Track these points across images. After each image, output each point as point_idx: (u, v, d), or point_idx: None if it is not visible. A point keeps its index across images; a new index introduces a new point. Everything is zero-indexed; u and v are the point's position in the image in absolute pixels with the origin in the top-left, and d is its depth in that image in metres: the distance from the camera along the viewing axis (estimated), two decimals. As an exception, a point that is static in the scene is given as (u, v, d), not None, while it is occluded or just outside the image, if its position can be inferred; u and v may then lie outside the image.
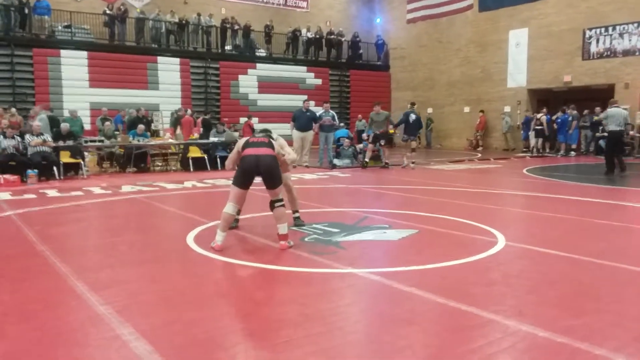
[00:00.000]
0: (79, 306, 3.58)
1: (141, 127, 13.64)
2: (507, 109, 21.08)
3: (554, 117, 18.57)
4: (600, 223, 6.45)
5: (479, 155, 18.52)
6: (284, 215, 5.22)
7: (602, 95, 18.83)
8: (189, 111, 17.16)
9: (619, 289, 3.94)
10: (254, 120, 18.84)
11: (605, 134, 12.48)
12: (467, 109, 22.85)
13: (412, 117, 14.13)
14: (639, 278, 4.22)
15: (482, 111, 21.78)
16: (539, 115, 18.33)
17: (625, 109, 13.49)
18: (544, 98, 20.81)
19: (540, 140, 18.33)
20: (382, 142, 13.70)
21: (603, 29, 18.48)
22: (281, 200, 5.30)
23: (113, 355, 2.83)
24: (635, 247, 5.43)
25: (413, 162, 14.01)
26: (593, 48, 18.86)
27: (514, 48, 21.01)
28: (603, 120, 12.12)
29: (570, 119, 18.19)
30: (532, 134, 18.50)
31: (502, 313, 3.37)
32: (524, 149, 19.41)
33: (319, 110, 14.80)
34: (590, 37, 18.84)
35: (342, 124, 16.92)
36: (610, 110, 11.78)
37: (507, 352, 2.83)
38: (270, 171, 5.20)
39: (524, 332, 3.08)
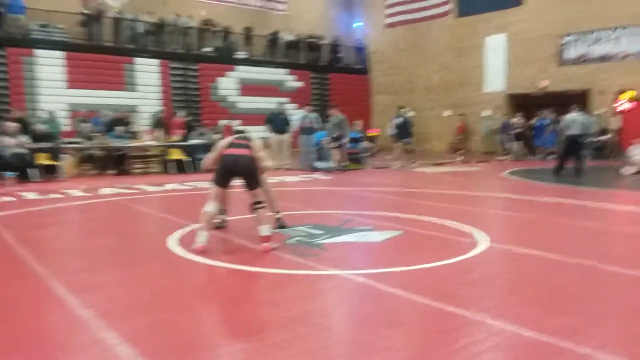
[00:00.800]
0: (60, 309, 3.52)
1: (120, 128, 13.49)
2: (485, 113, 21.34)
3: (531, 122, 18.86)
4: (579, 224, 6.56)
5: (460, 158, 18.71)
6: (265, 217, 5.23)
7: (578, 100, 19.15)
8: (183, 112, 17.00)
9: (599, 289, 4.01)
10: (237, 122, 18.73)
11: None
12: (447, 113, 23.06)
13: (397, 121, 14.66)
14: (618, 278, 4.30)
15: (460, 115, 22.02)
16: (515, 120, 18.63)
17: (597, 114, 13.82)
18: (522, 103, 21.11)
19: (519, 144, 18.61)
20: (335, 145, 13.76)
21: (579, 35, 18.85)
22: (261, 202, 5.30)
23: (96, 359, 2.78)
24: (613, 248, 5.54)
25: (414, 162, 14.74)
26: (569, 54, 19.21)
27: (491, 53, 21.29)
28: (562, 126, 12.81)
29: (547, 123, 18.49)
30: (509, 138, 18.77)
31: (486, 313, 3.40)
32: (504, 152, 19.70)
33: (299, 113, 14.82)
34: (566, 43, 19.19)
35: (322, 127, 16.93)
36: (567, 117, 12.56)
37: (492, 352, 2.86)
38: (249, 172, 5.24)
39: (509, 331, 3.12)
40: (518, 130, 18.50)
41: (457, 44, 22.37)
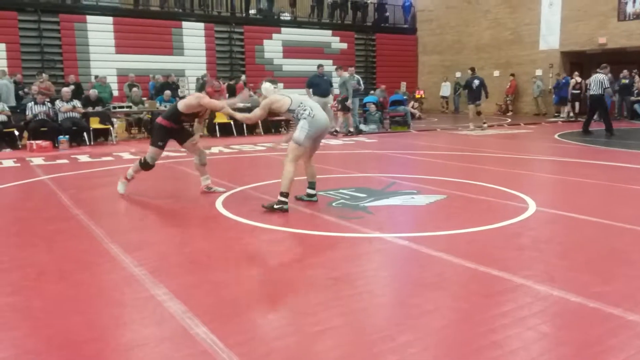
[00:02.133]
0: (114, 267, 3.68)
1: (168, 93, 13.71)
2: (539, 72, 20.50)
3: (587, 81, 17.98)
4: (632, 188, 6.29)
5: (509, 120, 18.16)
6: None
7: (639, 58, 18.17)
8: (244, 77, 17.10)
9: (653, 255, 3.87)
10: (280, 85, 18.73)
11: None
12: (496, 73, 22.28)
13: (476, 82, 14.81)
14: (675, 244, 4.13)
15: (512, 75, 21.24)
16: (577, 79, 17.80)
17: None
18: (577, 61, 20.13)
19: (575, 105, 17.86)
20: (338, 107, 13.52)
21: (642, -12, 17.65)
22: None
23: (149, 315, 2.91)
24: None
25: (484, 123, 14.76)
26: (629, 8, 18.07)
27: (546, 9, 20.26)
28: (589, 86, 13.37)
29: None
30: (562, 98, 18.03)
31: (533, 278, 3.35)
32: (556, 114, 18.97)
33: (344, 75, 14.60)
34: (628, -4, 18.03)
35: (371, 92, 16.73)
36: (592, 77, 13.11)
37: (538, 317, 2.82)
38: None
39: (555, 297, 3.06)
40: (575, 91, 17.69)
41: (511, 0, 21.40)
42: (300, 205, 5.42)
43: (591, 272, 3.48)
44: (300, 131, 5.26)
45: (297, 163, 5.33)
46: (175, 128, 5.92)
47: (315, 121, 5.30)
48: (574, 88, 17.79)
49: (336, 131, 13.39)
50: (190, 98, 5.87)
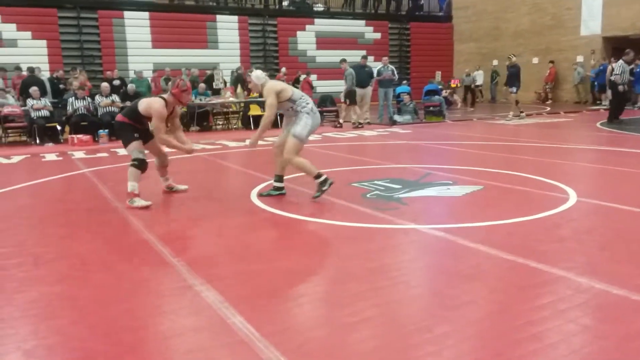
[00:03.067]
0: (153, 258, 3.76)
1: (202, 85, 13.88)
2: (580, 58, 19.87)
3: (631, 67, 17.35)
4: (681, 178, 6.06)
5: (548, 108, 17.71)
6: None
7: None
8: (284, 69, 17.16)
9: (702, 247, 3.72)
10: (313, 77, 18.73)
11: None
12: (535, 60, 21.71)
13: (512, 70, 14.64)
14: None
15: (552, 62, 20.65)
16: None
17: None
18: (619, 46, 19.42)
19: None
20: (346, 101, 13.20)
21: (690, -32, 16.88)
22: None
23: (187, 304, 2.97)
24: None
25: (522, 112, 14.50)
26: (677, -10, 17.30)
27: (588, -8, 19.61)
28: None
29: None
30: (603, 86, 17.43)
31: (574, 270, 3.27)
32: (598, 102, 18.39)
33: (377, 65, 14.49)
34: (675, -23, 17.27)
35: (404, 82, 16.52)
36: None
37: (579, 309, 2.75)
38: None
39: (597, 289, 2.98)
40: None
41: (551, -17, 20.77)
42: (335, 196, 5.42)
43: (634, 264, 3.38)
44: (303, 127, 5.26)
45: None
46: (137, 127, 5.46)
47: (316, 117, 5.39)
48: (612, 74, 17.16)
49: (339, 123, 13.23)
50: (147, 104, 5.38)
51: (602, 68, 17.86)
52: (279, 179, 5.60)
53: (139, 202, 5.28)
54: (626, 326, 2.56)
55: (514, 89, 14.54)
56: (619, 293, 2.91)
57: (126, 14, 18.69)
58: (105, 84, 12.01)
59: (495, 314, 2.77)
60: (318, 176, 5.27)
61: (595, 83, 18.55)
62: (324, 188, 5.27)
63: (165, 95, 5.50)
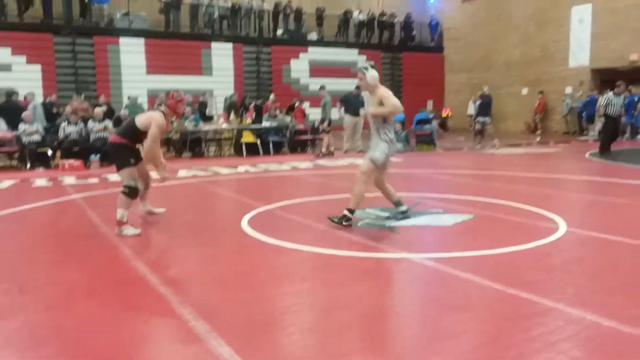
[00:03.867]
0: (141, 286, 3.72)
1: (188, 109, 13.96)
2: (569, 89, 20.20)
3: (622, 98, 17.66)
4: (670, 209, 6.11)
5: (538, 139, 17.90)
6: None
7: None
8: (272, 96, 17.33)
9: (691, 279, 3.73)
10: (305, 105, 18.87)
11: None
12: (525, 91, 22.04)
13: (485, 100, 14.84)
14: None
15: (541, 92, 20.97)
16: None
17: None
18: (608, 78, 19.77)
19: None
20: (322, 129, 13.36)
21: (674, 3, 17.34)
22: None
23: (175, 333, 2.93)
24: None
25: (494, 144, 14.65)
26: (662, 24, 17.73)
27: (576, 25, 20.03)
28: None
29: (636, 99, 17.26)
30: (590, 117, 17.76)
31: (564, 301, 3.26)
32: (584, 132, 18.64)
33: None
34: (660, 12, 17.71)
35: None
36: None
37: (570, 341, 2.74)
38: None
39: (588, 320, 2.97)
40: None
41: (540, 16, 21.20)
42: (326, 224, 5.41)
43: (624, 295, 3.38)
44: (380, 152, 5.30)
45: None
46: (132, 147, 5.41)
47: (395, 147, 5.47)
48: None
49: (322, 153, 13.21)
50: (147, 117, 5.36)
51: (590, 99, 18.20)
52: (398, 203, 5.66)
53: (128, 230, 5.19)
54: (617, 358, 2.55)
55: (488, 119, 14.71)
56: (609, 324, 2.90)
57: (122, 40, 18.83)
58: (98, 109, 12.03)
59: (487, 346, 2.75)
60: (351, 211, 5.28)
61: (583, 114, 18.83)
62: (344, 223, 5.24)
63: (162, 108, 5.44)
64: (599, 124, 17.76)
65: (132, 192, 5.26)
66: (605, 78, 19.85)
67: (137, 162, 5.46)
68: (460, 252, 4.41)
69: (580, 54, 20.01)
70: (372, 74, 5.36)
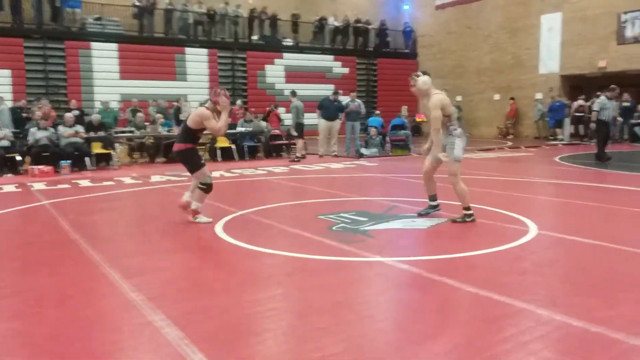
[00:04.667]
0: (112, 293, 3.65)
1: (159, 115, 13.89)
2: (539, 95, 20.62)
3: (588, 104, 18.15)
4: (634, 211, 6.27)
5: (509, 143, 18.21)
6: None
7: (639, 81, 18.27)
8: (239, 102, 17.28)
9: (657, 279, 3.83)
10: (281, 110, 18.86)
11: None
12: (497, 97, 22.43)
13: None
14: (678, 268, 4.10)
15: (512, 98, 21.37)
16: (581, 102, 18.01)
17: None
18: (577, 84, 20.27)
19: (577, 127, 18.07)
20: (292, 133, 13.53)
21: (639, 13, 17.87)
22: None
23: (146, 341, 2.88)
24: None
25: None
26: (629, 32, 18.25)
27: (546, 33, 20.48)
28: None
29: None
30: (567, 120, 18.20)
31: (535, 302, 3.31)
32: (550, 137, 19.07)
33: (345, 99, 14.75)
34: (626, 20, 18.23)
35: (377, 112, 16.92)
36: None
37: (541, 341, 2.78)
38: None
39: (558, 321, 3.02)
40: (579, 113, 17.91)
41: (511, 24, 21.63)
42: (301, 229, 5.41)
43: (594, 296, 3.45)
44: (457, 149, 5.59)
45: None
46: (196, 148, 6.01)
47: (464, 139, 5.72)
48: (577, 111, 17.96)
49: (297, 157, 13.20)
50: (195, 115, 5.81)
51: (559, 104, 18.63)
52: (433, 198, 5.97)
53: (202, 218, 5.81)
54: (587, 358, 2.59)
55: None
56: (579, 325, 2.96)
57: (94, 44, 18.58)
58: (69, 114, 11.82)
59: (460, 348, 2.77)
60: (468, 209, 5.60)
61: (551, 119, 19.25)
62: (467, 220, 5.57)
63: (206, 105, 5.88)
64: (568, 129, 18.21)
65: (208, 188, 5.87)
66: (574, 84, 20.35)
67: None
68: (434, 255, 4.45)
69: (550, 61, 20.45)
70: (424, 80, 5.72)
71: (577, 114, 17.96)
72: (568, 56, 19.82)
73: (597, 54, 18.93)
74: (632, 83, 18.37)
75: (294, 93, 14.11)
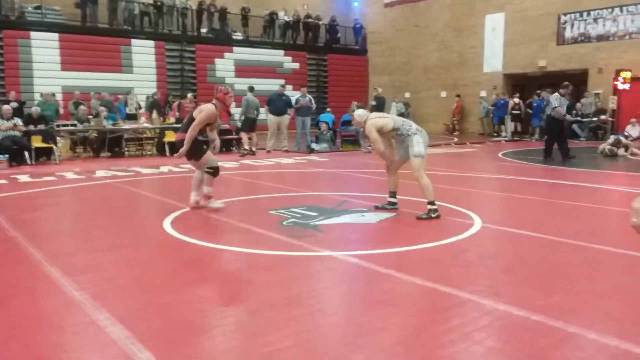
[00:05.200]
0: (53, 292, 3.52)
1: (102, 108, 13.50)
2: (483, 93, 21.27)
3: (528, 102, 18.87)
4: (572, 204, 6.57)
5: (456, 139, 18.69)
6: None
7: (577, 80, 19.11)
8: (190, 95, 16.90)
9: (590, 268, 4.03)
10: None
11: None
12: (443, 94, 22.97)
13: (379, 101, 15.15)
14: (609, 257, 4.33)
15: (458, 96, 21.93)
16: (516, 100, 18.65)
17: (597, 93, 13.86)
18: (519, 83, 21.02)
19: (516, 124, 18.71)
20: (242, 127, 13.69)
21: (578, 14, 18.70)
22: None
23: (90, 341, 2.79)
24: (605, 228, 5.56)
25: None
26: (568, 33, 19.08)
27: (490, 33, 21.13)
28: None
29: (544, 103, 18.41)
30: (508, 118, 18.81)
31: (479, 293, 3.42)
32: (494, 134, 19.71)
33: (295, 95, 14.73)
34: (565, 22, 19.05)
35: (328, 109, 16.96)
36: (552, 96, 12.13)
37: (484, 331, 2.87)
38: None
39: (500, 311, 3.13)
40: (516, 111, 18.56)
41: (457, 23, 22.20)
42: (251, 224, 5.37)
43: (534, 286, 3.59)
44: (418, 145, 5.72)
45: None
46: (200, 139, 6.13)
47: (424, 134, 5.85)
48: (513, 109, 18.61)
49: (250, 151, 13.19)
50: (201, 109, 6.03)
51: (503, 102, 19.26)
52: (393, 195, 6.13)
53: (215, 203, 6.02)
54: (528, 346, 2.70)
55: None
56: (520, 314, 3.07)
57: (33, 34, 17.79)
58: (6, 107, 11.28)
59: (408, 339, 2.83)
60: (432, 203, 5.66)
61: (495, 116, 19.88)
62: (433, 216, 5.61)
63: (214, 101, 6.11)
64: (509, 126, 18.85)
65: (215, 171, 6.05)
66: (516, 83, 21.09)
67: (208, 147, 6.21)
68: (383, 249, 4.52)
69: (493, 60, 21.12)
70: (358, 113, 6.08)
71: (514, 112, 18.61)
72: (510, 55, 20.52)
73: (537, 53, 19.69)
74: (571, 82, 19.17)
75: (251, 88, 14.00)
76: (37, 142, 11.34)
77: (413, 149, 5.73)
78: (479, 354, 2.62)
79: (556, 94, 11.83)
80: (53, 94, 14.35)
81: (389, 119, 5.91)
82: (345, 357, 2.58)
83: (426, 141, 5.87)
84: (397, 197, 6.18)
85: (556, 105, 11.52)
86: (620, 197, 7.56)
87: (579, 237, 4.85)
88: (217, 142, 6.53)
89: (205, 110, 5.93)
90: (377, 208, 6.12)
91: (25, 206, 6.70)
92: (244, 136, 13.39)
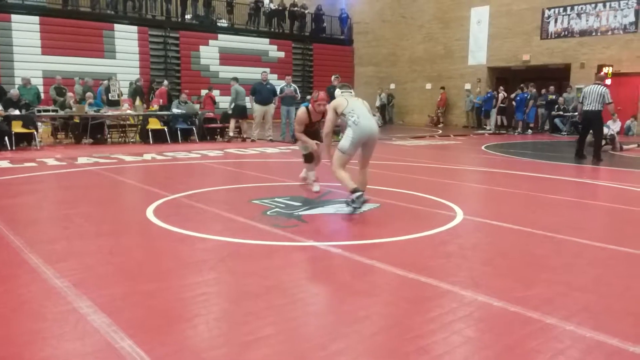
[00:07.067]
0: (34, 279, 3.49)
1: (89, 94, 13.33)
2: (468, 86, 21.40)
3: (512, 95, 19.04)
4: (552, 198, 6.67)
5: (440, 131, 18.80)
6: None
7: (559, 75, 19.34)
8: (166, 82, 16.76)
9: (569, 261, 4.11)
10: (215, 92, 18.51)
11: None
12: (428, 86, 23.06)
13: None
14: (588, 250, 4.41)
15: (442, 88, 22.03)
16: (505, 94, 18.84)
17: (579, 88, 13.89)
18: (503, 76, 21.19)
19: (501, 118, 18.92)
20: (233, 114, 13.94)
21: (562, 9, 18.87)
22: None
23: (71, 329, 2.78)
24: (585, 221, 5.66)
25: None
26: (551, 28, 19.24)
27: (475, 26, 21.22)
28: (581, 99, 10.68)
29: (528, 97, 18.62)
30: (494, 111, 18.99)
31: (459, 284, 3.47)
32: (484, 126, 19.86)
33: (281, 84, 14.66)
34: (549, 16, 19.21)
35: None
36: (586, 88, 10.53)
37: (463, 321, 2.92)
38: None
39: (480, 302, 3.19)
40: (500, 104, 18.74)
41: (443, 15, 22.25)
42: (234, 213, 5.37)
43: (513, 278, 3.65)
44: (345, 139, 5.41)
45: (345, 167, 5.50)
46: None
47: (359, 128, 5.37)
48: (502, 102, 18.80)
49: (237, 137, 13.64)
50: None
51: (490, 95, 19.43)
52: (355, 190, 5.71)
53: (315, 186, 6.70)
54: (506, 337, 2.75)
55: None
56: (499, 305, 3.13)
57: (14, 17, 17.44)
58: (-15, 91, 11.08)
59: (388, 329, 2.87)
60: (354, 190, 5.31)
61: (482, 109, 20.04)
62: (354, 201, 5.29)
63: (309, 106, 6.55)
64: (494, 119, 19.04)
65: (306, 158, 6.70)
66: (500, 76, 21.26)
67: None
68: (366, 239, 4.56)
69: (478, 52, 21.24)
70: (337, 92, 5.88)
71: (502, 105, 18.82)
72: (494, 49, 20.66)
73: (521, 47, 19.85)
74: (554, 77, 19.43)
75: (235, 79, 13.98)
76: (17, 128, 11.16)
77: (341, 142, 5.48)
78: (457, 344, 2.67)
79: (599, 86, 10.20)
80: (29, 79, 14.06)
81: (344, 100, 5.54)
82: (326, 346, 2.60)
83: (360, 136, 5.38)
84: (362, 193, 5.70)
85: (610, 100, 10.17)
86: (600, 191, 7.70)
87: (559, 230, 4.93)
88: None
89: (297, 115, 6.71)
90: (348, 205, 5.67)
91: (5, 193, 6.60)
92: (232, 123, 13.46)
